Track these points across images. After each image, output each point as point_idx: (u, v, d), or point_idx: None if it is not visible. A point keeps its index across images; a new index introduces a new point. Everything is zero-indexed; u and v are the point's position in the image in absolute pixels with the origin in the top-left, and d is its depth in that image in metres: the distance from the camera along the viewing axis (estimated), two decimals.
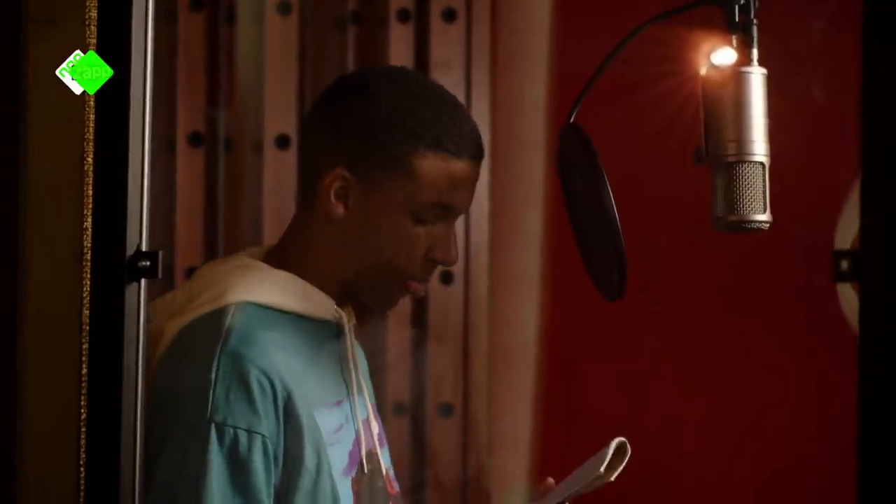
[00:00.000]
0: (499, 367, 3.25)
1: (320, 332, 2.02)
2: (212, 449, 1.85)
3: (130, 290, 1.64)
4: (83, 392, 1.63)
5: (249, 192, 3.19)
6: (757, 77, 1.96)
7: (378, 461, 2.05)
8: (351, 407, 2.03)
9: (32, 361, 1.66)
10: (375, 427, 2.10)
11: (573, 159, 2.02)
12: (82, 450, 1.63)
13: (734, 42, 1.96)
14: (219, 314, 1.95)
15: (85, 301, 1.64)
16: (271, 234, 3.17)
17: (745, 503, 3.11)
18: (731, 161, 1.94)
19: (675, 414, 3.09)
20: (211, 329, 1.93)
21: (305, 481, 1.91)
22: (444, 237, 2.01)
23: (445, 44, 3.22)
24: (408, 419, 3.17)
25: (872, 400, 1.45)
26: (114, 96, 1.71)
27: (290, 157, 3.22)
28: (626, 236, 1.96)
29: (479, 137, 2.03)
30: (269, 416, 1.89)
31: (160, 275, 1.64)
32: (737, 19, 1.96)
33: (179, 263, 3.20)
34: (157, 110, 3.17)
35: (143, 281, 1.64)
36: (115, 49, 1.70)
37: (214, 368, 1.88)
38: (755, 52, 1.96)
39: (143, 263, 1.65)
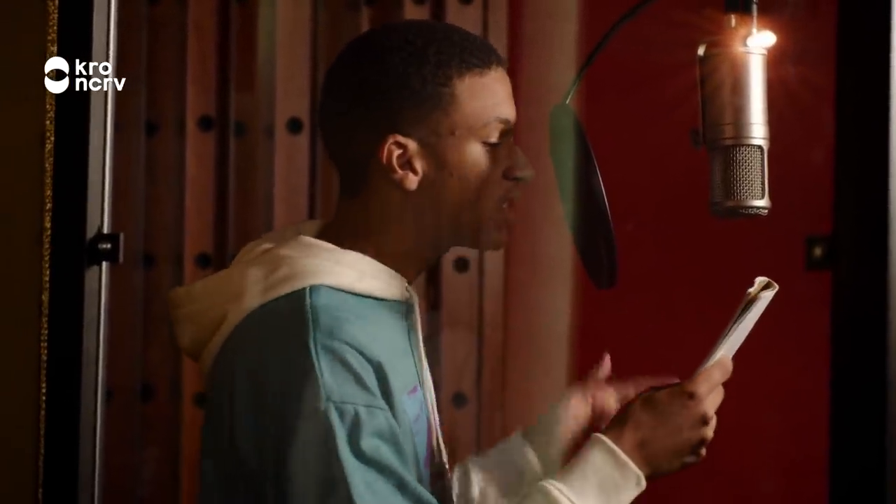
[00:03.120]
0: (515, 356, 3.21)
1: (392, 315, 1.95)
2: (337, 430, 1.76)
3: (91, 273, 1.61)
4: (42, 376, 1.60)
5: (261, 177, 3.16)
6: (756, 58, 1.90)
7: (444, 454, 1.99)
8: (423, 395, 1.97)
9: None
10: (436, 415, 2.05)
11: (564, 142, 1.97)
12: (41, 434, 1.60)
13: (733, 22, 1.90)
14: (296, 297, 1.87)
15: (45, 284, 1.61)
16: (282, 219, 3.14)
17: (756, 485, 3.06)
18: (728, 144, 1.89)
19: None
20: (293, 313, 1.86)
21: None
22: (513, 153, 1.96)
23: (461, 26, 3.17)
24: None
25: (845, 390, 1.40)
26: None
27: (303, 140, 3.19)
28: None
29: (492, 46, 1.97)
30: (379, 393, 1.82)
31: (121, 258, 1.60)
32: None
33: (188, 250, 3.17)
34: (167, 92, 3.20)
35: (103, 264, 1.61)
36: (77, 25, 1.66)
37: (314, 353, 1.80)
38: (755, 31, 1.90)
39: (104, 246, 1.62)
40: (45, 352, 1.62)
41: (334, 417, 1.77)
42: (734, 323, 1.91)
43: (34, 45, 1.69)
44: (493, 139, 1.93)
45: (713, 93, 1.90)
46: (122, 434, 3.21)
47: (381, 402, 1.81)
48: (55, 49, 1.66)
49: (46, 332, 1.62)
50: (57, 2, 1.68)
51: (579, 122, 1.96)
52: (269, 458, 1.79)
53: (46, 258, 1.63)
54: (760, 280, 1.91)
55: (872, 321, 1.42)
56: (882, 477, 1.43)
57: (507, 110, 1.95)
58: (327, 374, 1.78)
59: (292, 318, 1.83)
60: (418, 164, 1.91)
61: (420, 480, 1.84)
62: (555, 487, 1.83)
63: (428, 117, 1.90)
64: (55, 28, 1.68)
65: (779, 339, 2.76)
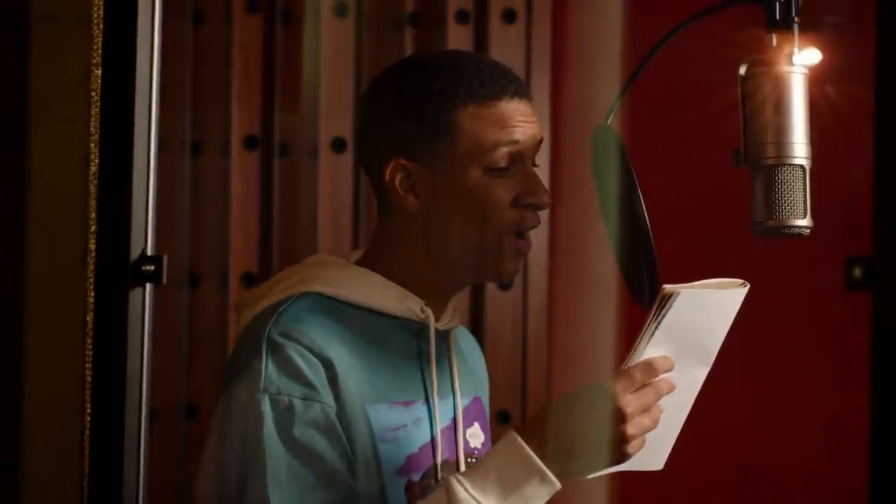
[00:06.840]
0: (559, 374, 3.20)
1: (401, 331, 1.97)
2: (266, 418, 1.82)
3: (134, 294, 1.62)
4: (87, 396, 1.61)
5: (305, 196, 3.18)
6: (798, 76, 1.89)
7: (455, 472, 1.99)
8: (430, 411, 1.98)
9: (36, 366, 1.65)
10: (481, 437, 2.05)
11: (606, 162, 1.97)
12: (86, 454, 1.61)
13: (774, 41, 1.90)
14: (282, 302, 1.92)
15: (89, 305, 1.62)
16: (327, 238, 3.15)
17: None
18: (770, 164, 1.88)
19: (743, 419, 3.03)
20: (269, 316, 1.91)
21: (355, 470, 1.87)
22: (526, 180, 1.96)
23: (504, 45, 3.18)
24: None
25: (885, 408, 1.39)
26: (119, 97, 1.68)
27: (347, 160, 3.20)
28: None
29: (515, 77, 1.98)
30: (325, 390, 1.86)
31: (165, 279, 1.61)
32: (777, 17, 1.90)
33: (234, 269, 3.18)
34: (212, 112, 3.22)
35: (147, 285, 1.62)
36: (120, 48, 1.67)
37: (264, 346, 1.86)
38: (796, 50, 1.89)
39: (148, 268, 1.63)
40: (90, 372, 1.64)
41: (265, 406, 1.82)
42: (651, 322, 1.87)
43: (79, 68, 1.70)
44: (501, 164, 1.93)
45: (755, 112, 1.89)
46: (166, 453, 3.22)
47: (323, 397, 1.85)
48: (100, 72, 1.67)
49: (91, 352, 1.64)
50: (101, 24, 1.69)
51: (621, 142, 1.96)
52: (214, 443, 1.85)
53: (91, 280, 1.65)
54: (730, 280, 1.89)
55: None
56: None
57: (519, 136, 1.94)
58: (270, 367, 1.84)
59: (265, 320, 1.89)
60: (420, 188, 1.94)
61: (376, 484, 1.88)
62: (456, 480, 1.83)
63: (431, 143, 1.93)
64: (99, 50, 1.70)
65: (819, 359, 2.75)
